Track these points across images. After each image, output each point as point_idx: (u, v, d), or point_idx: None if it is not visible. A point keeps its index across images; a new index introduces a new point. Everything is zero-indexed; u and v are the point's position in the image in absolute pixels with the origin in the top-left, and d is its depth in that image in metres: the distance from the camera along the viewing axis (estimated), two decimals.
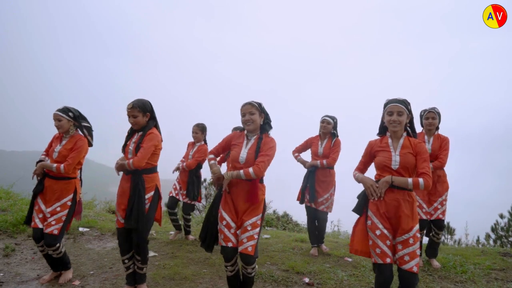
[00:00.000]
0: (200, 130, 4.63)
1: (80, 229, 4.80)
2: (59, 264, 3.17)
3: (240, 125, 4.34)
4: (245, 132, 2.68)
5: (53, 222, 2.97)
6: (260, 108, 2.58)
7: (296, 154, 4.41)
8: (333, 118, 4.29)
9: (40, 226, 3.00)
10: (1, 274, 3.28)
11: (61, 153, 3.03)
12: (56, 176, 3.03)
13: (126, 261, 2.88)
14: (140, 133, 2.85)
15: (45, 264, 3.57)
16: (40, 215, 3.03)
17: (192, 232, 4.95)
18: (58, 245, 2.99)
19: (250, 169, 2.42)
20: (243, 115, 2.57)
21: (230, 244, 2.48)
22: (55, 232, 2.95)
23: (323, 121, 4.27)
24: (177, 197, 4.61)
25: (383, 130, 2.55)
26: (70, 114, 3.10)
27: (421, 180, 2.24)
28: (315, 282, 3.30)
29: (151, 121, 2.89)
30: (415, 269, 2.22)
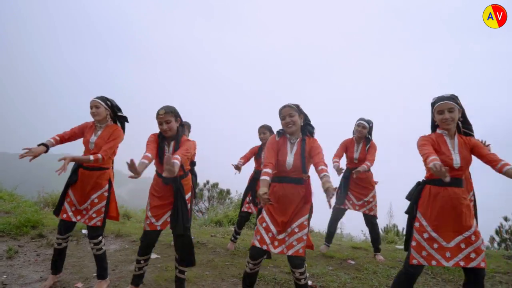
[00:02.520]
0: (187, 128, 4.57)
1: (83, 231, 4.80)
2: (100, 268, 3.02)
3: (266, 123, 4.27)
4: (287, 136, 2.61)
5: (94, 215, 2.95)
6: (298, 110, 2.55)
7: (336, 160, 4.11)
8: (369, 122, 4.17)
9: (74, 220, 2.96)
10: (4, 276, 3.29)
11: (98, 144, 2.94)
12: (91, 167, 2.95)
13: (143, 261, 2.86)
14: (173, 142, 2.79)
15: (48, 266, 3.58)
16: (73, 208, 2.97)
17: (194, 235, 4.95)
18: (100, 238, 2.97)
19: (326, 173, 2.34)
20: (283, 118, 2.53)
21: (264, 247, 2.45)
22: (98, 223, 2.94)
23: (359, 125, 4.14)
24: None
25: (434, 129, 2.49)
26: (108, 102, 3.07)
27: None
28: (318, 285, 3.28)
29: (181, 127, 2.86)
30: (482, 264, 2.18)
